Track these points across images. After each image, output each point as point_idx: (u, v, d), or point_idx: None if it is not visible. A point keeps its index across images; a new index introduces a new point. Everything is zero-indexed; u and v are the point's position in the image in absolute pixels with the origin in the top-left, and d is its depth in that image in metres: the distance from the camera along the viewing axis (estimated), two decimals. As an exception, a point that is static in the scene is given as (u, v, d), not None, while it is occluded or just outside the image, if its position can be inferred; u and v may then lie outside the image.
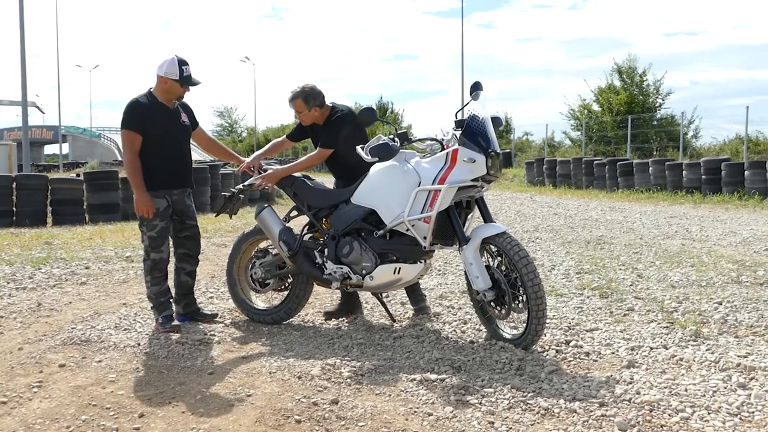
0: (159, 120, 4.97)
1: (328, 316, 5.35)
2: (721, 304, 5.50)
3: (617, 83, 30.50)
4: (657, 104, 30.03)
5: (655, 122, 28.95)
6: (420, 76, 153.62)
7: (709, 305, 5.49)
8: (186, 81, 4.97)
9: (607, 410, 3.32)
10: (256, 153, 5.41)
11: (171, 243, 5.20)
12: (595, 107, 31.18)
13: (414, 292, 5.35)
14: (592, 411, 3.33)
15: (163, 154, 4.97)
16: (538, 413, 3.34)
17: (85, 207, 14.13)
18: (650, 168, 19.81)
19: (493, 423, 3.24)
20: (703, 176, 17.86)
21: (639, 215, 13.66)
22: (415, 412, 3.39)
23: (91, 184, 14.22)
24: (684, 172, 18.53)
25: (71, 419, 3.38)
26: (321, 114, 5.18)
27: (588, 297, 5.90)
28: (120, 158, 57.12)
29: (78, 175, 17.59)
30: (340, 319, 5.28)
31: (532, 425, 3.22)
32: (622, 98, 29.41)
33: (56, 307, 5.77)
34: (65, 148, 62.95)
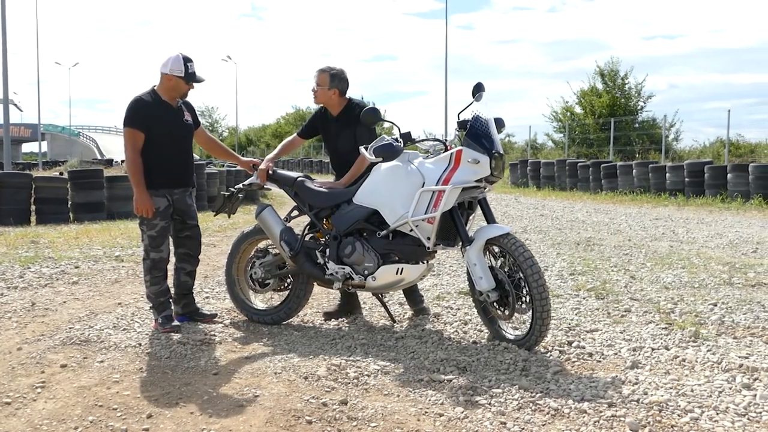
0: (162, 118, 4.93)
1: (328, 316, 5.34)
2: (716, 306, 5.55)
3: (599, 86, 30.74)
4: (639, 107, 30.32)
5: (637, 125, 29.22)
6: (399, 77, 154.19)
7: (704, 306, 5.54)
8: (191, 78, 4.94)
9: (616, 411, 3.34)
10: (269, 156, 5.33)
11: (171, 242, 5.15)
12: (578, 109, 31.43)
13: (412, 293, 5.34)
14: (601, 411, 3.35)
15: (165, 153, 4.93)
16: (548, 413, 3.36)
17: (69, 206, 13.99)
18: (634, 170, 19.97)
19: (504, 423, 3.24)
20: (686, 179, 18.04)
21: (624, 217, 13.77)
22: (426, 412, 3.39)
23: (75, 183, 14.09)
24: (667, 175, 18.71)
25: (78, 420, 3.35)
26: (338, 102, 5.15)
27: (584, 298, 5.94)
28: (99, 157, 56.62)
29: (61, 173, 17.41)
30: (340, 319, 5.27)
31: (543, 425, 3.24)
32: (605, 101, 29.67)
33: (51, 307, 5.71)
34: (43, 146, 62.36)
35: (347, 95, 5.21)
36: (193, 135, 5.24)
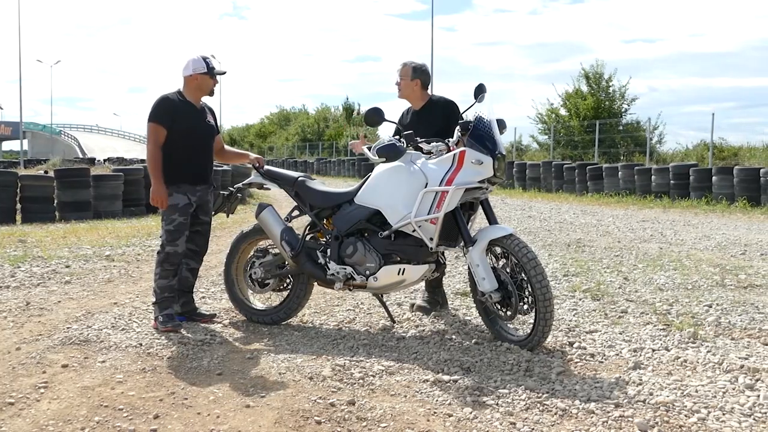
0: (187, 117, 5.03)
1: (419, 309, 5.37)
2: (711, 307, 5.60)
3: (584, 88, 30.87)
4: (623, 109, 30.51)
5: (621, 127, 29.40)
6: (383, 78, 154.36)
7: (699, 308, 5.59)
8: (214, 71, 5.08)
9: (624, 411, 3.37)
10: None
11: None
12: (563, 111, 31.56)
13: (436, 292, 5.38)
14: (609, 412, 3.37)
15: (189, 151, 5.01)
16: (556, 414, 3.37)
17: (55, 204, 13.86)
18: (619, 172, 20.10)
19: (514, 424, 3.26)
20: (672, 181, 18.18)
21: (612, 219, 13.86)
22: (435, 413, 3.39)
23: (62, 182, 13.95)
24: (653, 177, 18.86)
25: (84, 420, 3.31)
26: (420, 95, 5.26)
27: (580, 299, 5.97)
28: (81, 155, 56.17)
29: (46, 172, 17.25)
30: (432, 313, 5.33)
31: (552, 426, 3.25)
32: (589, 103, 29.80)
33: (46, 306, 5.64)
34: (24, 144, 61.81)
35: (429, 92, 5.31)
36: (214, 138, 5.28)
